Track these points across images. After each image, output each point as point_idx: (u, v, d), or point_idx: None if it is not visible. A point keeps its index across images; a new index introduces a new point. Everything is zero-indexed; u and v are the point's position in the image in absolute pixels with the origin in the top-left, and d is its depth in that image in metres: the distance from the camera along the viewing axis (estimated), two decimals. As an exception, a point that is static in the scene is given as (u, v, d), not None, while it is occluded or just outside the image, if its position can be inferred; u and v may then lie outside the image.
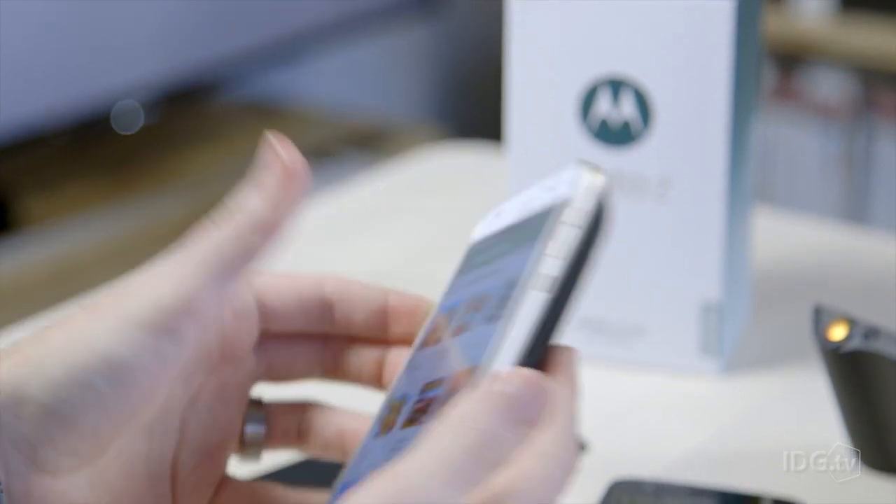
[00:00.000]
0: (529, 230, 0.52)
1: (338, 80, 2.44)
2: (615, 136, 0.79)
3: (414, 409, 0.51)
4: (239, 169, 2.31)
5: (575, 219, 0.50)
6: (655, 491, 0.68)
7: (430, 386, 0.51)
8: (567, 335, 0.50)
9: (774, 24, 2.24)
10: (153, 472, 0.55)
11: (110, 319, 0.51)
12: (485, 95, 2.44)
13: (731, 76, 0.77)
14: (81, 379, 0.50)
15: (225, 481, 0.57)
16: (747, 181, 0.83)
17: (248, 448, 0.58)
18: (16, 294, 1.68)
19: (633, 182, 0.79)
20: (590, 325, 0.82)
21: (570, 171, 0.52)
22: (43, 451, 0.50)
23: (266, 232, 0.52)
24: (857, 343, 0.68)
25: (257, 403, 0.58)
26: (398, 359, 0.57)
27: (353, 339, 0.58)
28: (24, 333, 0.53)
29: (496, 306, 0.50)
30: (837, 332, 0.69)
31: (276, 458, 0.64)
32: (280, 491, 0.57)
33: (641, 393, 0.80)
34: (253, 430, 0.58)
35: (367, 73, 2.50)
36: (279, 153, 0.53)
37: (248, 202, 0.53)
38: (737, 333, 0.84)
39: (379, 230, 1.01)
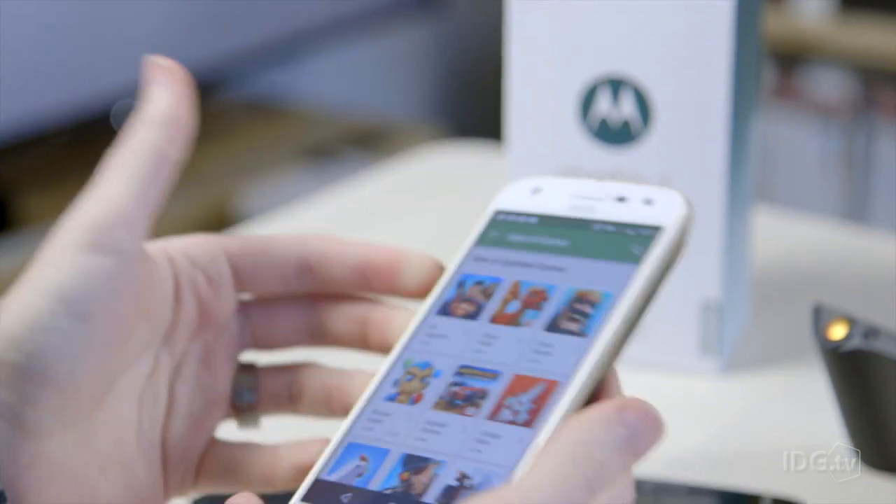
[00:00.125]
0: (610, 244, 0.51)
1: (338, 79, 2.44)
2: (615, 135, 0.79)
3: (450, 391, 0.50)
4: (239, 167, 2.32)
5: (669, 249, 0.51)
6: (655, 490, 0.68)
7: (473, 373, 0.51)
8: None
9: (774, 24, 2.24)
10: (143, 440, 0.55)
11: (53, 253, 0.52)
12: (484, 95, 2.44)
13: (731, 75, 0.77)
14: (41, 325, 0.50)
15: (210, 443, 0.58)
16: (747, 180, 0.83)
17: (243, 414, 0.59)
18: (15, 293, 1.68)
19: (633, 181, 0.79)
20: (590, 324, 0.82)
21: (660, 194, 0.52)
22: (24, 413, 0.50)
23: (172, 126, 0.55)
24: (857, 342, 0.68)
25: (247, 368, 0.59)
26: (383, 317, 0.58)
27: (338, 298, 0.59)
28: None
29: (579, 321, 0.50)
30: (837, 332, 0.69)
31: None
32: (262, 448, 0.58)
33: (641, 392, 0.80)
34: (243, 395, 0.59)
35: (366, 72, 2.50)
36: (158, 63, 0.55)
37: (146, 106, 0.55)
38: (737, 333, 0.84)
39: (379, 229, 1.01)
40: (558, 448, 0.46)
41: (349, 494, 0.49)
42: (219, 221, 1.93)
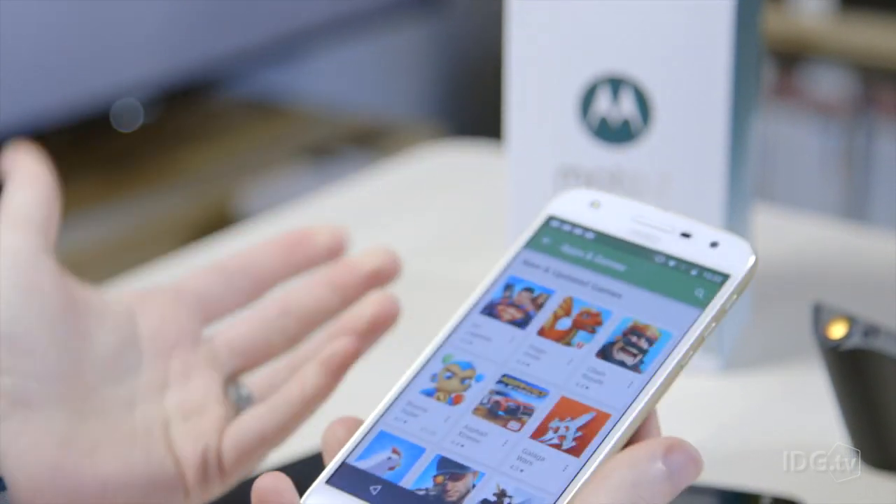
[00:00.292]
0: (672, 280, 0.51)
1: (338, 78, 2.44)
2: (615, 134, 0.79)
3: (492, 400, 0.50)
4: (238, 167, 2.32)
5: (734, 298, 0.50)
6: (655, 489, 0.68)
7: (517, 385, 0.50)
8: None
9: (774, 22, 2.24)
10: (139, 433, 0.58)
11: None
12: (485, 93, 2.44)
13: (730, 74, 0.77)
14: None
15: (220, 439, 0.60)
16: (747, 179, 0.83)
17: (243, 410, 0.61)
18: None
19: (633, 180, 0.79)
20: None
21: (727, 238, 0.51)
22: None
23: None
24: (856, 341, 0.68)
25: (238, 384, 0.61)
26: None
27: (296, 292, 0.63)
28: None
29: (634, 355, 0.50)
30: (837, 330, 0.68)
31: (284, 452, 0.64)
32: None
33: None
34: (238, 393, 0.61)
35: (366, 71, 2.50)
36: (18, 159, 0.61)
37: (7, 206, 0.59)
38: (736, 331, 0.84)
39: (379, 228, 1.01)
40: (609, 486, 0.47)
41: (378, 487, 0.48)
42: (219, 221, 1.93)
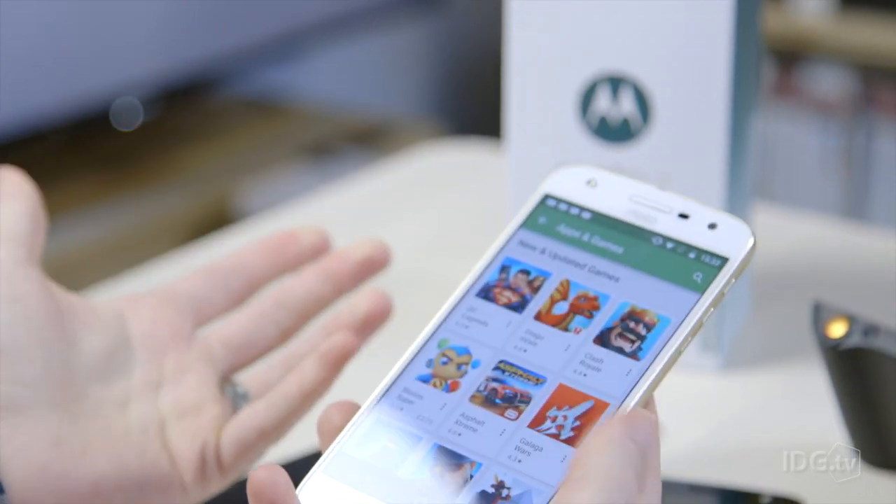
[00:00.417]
0: (670, 263, 0.50)
1: (337, 76, 2.44)
2: (614, 133, 0.79)
3: (489, 387, 0.49)
4: (238, 166, 2.32)
5: (732, 281, 0.50)
6: (655, 488, 0.68)
7: (514, 371, 0.50)
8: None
9: (774, 21, 2.24)
10: (133, 433, 0.58)
11: None
12: (484, 92, 2.44)
13: (730, 73, 0.77)
14: None
15: (217, 435, 0.60)
16: (747, 178, 0.83)
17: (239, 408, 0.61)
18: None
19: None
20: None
21: (726, 220, 0.51)
22: None
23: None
24: (856, 340, 0.68)
25: (234, 383, 0.62)
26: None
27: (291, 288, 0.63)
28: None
29: (632, 342, 0.49)
30: (837, 329, 0.68)
31: (283, 451, 0.64)
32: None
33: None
34: (234, 392, 0.61)
35: (366, 69, 2.50)
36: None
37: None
38: (736, 330, 0.84)
39: (378, 227, 1.01)
40: (591, 479, 0.46)
41: (374, 476, 0.48)
42: (219, 220, 1.93)
